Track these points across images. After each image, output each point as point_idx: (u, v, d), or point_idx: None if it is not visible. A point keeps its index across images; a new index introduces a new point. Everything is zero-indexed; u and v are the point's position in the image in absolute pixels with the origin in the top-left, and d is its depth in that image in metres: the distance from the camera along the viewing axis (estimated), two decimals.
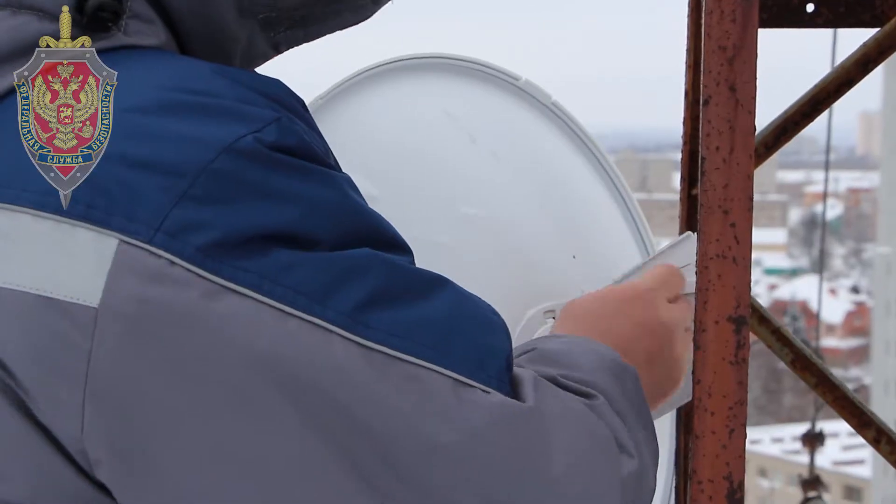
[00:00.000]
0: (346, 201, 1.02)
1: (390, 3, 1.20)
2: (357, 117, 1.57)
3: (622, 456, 1.07)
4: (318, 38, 1.18)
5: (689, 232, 1.41)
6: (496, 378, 1.03)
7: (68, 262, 0.97)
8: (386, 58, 1.60)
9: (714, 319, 1.17)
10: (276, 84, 1.05)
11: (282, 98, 1.04)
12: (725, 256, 1.18)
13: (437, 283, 1.04)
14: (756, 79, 1.18)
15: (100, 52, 1.03)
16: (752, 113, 1.18)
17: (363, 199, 1.05)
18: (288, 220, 0.99)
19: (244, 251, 0.97)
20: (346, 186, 1.03)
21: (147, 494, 0.99)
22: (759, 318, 1.61)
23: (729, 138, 1.18)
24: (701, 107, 1.18)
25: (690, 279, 1.30)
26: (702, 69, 1.20)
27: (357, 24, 1.19)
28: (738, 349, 1.18)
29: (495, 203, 1.58)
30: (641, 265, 1.43)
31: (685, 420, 1.50)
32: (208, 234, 0.97)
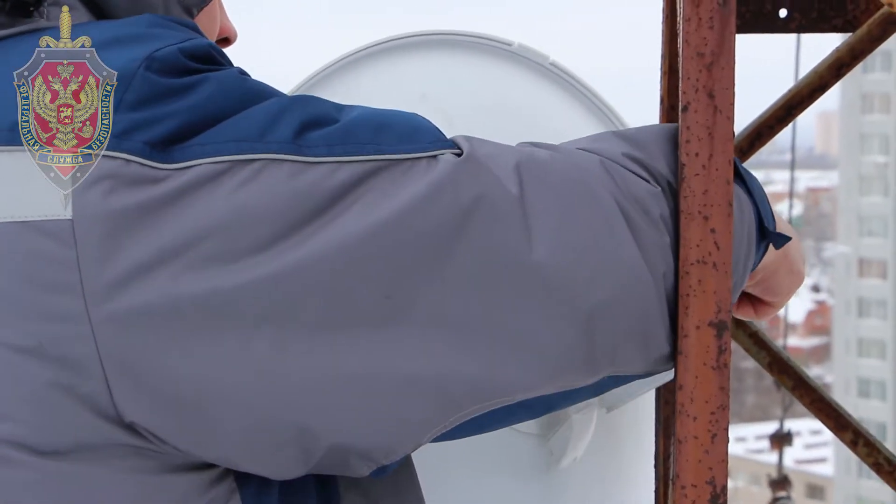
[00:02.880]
0: (244, 76, 1.09)
1: None
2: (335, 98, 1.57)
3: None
4: None
5: None
6: (435, 141, 1.10)
7: (32, 185, 1.02)
8: (364, 43, 1.60)
9: (695, 325, 1.18)
10: (183, 18, 1.15)
11: (190, 25, 1.12)
12: (706, 262, 1.18)
13: (345, 105, 1.11)
14: (734, 85, 1.19)
15: (22, 34, 1.08)
16: (730, 119, 1.19)
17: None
18: (207, 98, 1.05)
19: (183, 136, 1.04)
20: (240, 70, 1.10)
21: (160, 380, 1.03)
22: (736, 322, 1.62)
23: (708, 144, 1.18)
24: (679, 113, 1.19)
25: None
26: (680, 75, 1.21)
27: None
28: (719, 354, 1.18)
29: None
30: None
31: (664, 424, 1.50)
32: (151, 131, 1.03)
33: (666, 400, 1.50)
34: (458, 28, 1.62)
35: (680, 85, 1.20)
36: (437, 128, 1.12)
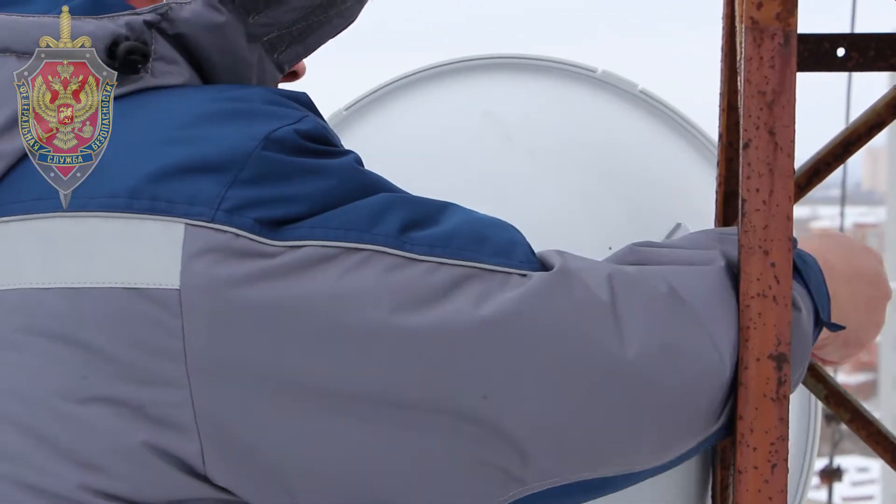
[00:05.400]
0: (360, 169, 1.13)
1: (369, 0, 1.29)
2: (387, 122, 1.57)
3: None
4: (314, 49, 1.26)
5: (678, 222, 1.53)
6: (527, 261, 1.14)
7: (143, 253, 1.05)
8: (441, 60, 1.59)
9: (755, 357, 1.20)
10: (296, 91, 1.16)
11: (303, 100, 1.14)
12: (766, 295, 1.20)
13: (447, 205, 1.16)
14: (794, 123, 1.21)
15: (131, 93, 1.10)
16: (790, 156, 1.21)
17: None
18: (325, 189, 1.09)
19: (295, 220, 1.07)
20: (358, 161, 1.14)
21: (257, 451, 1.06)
22: None
23: (769, 181, 1.21)
24: (741, 150, 1.22)
25: None
26: (740, 112, 1.23)
27: (346, 27, 1.28)
28: (779, 386, 1.20)
29: (522, 198, 1.55)
30: None
31: (722, 455, 1.52)
32: (263, 209, 1.06)
33: None
34: (538, 53, 1.61)
35: (741, 122, 1.22)
36: (529, 245, 1.17)
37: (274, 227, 1.06)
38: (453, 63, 1.61)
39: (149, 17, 1.13)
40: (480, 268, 1.11)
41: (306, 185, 1.08)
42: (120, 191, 1.05)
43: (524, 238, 1.17)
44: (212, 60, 1.16)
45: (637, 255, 1.24)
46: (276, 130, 1.08)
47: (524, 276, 1.13)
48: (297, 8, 1.20)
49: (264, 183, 1.07)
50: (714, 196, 1.58)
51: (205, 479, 1.07)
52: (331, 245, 1.07)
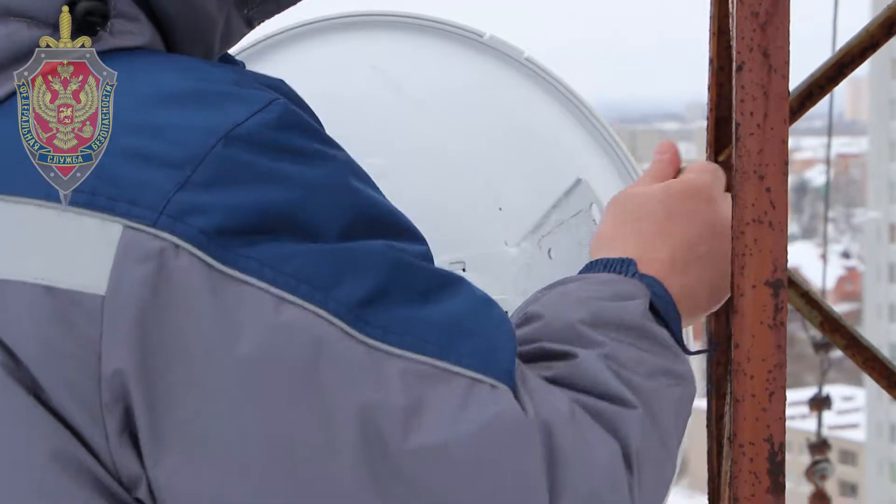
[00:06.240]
0: (348, 186, 1.02)
1: None
2: (277, 71, 1.57)
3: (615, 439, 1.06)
4: (288, 6, 1.19)
5: (578, 178, 1.56)
6: (504, 375, 1.02)
7: (74, 250, 0.97)
8: (324, 14, 1.57)
9: (752, 284, 1.18)
10: (272, 78, 1.07)
11: (276, 85, 1.05)
12: (762, 221, 1.18)
13: (450, 283, 1.04)
14: (789, 44, 1.18)
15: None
16: (785, 78, 1.18)
17: (370, 184, 1.04)
18: (289, 203, 0.98)
19: (247, 237, 0.97)
20: (348, 172, 1.03)
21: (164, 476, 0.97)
22: (788, 282, 1.61)
23: (763, 104, 1.18)
24: (734, 73, 1.19)
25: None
26: (731, 35, 1.21)
27: None
28: (776, 312, 1.18)
29: (410, 153, 1.56)
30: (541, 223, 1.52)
31: (716, 385, 1.51)
32: (212, 218, 0.96)
33: (718, 361, 1.50)
34: (425, 12, 1.61)
35: (734, 45, 1.19)
36: (515, 355, 1.04)
37: (222, 239, 0.96)
38: (340, 18, 1.60)
39: None
40: (441, 368, 0.99)
41: (265, 193, 0.98)
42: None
43: (514, 348, 1.04)
44: (174, 16, 1.09)
45: (549, 369, 1.09)
46: (241, 125, 0.99)
47: (494, 387, 1.00)
48: None
49: (219, 187, 0.97)
50: (593, 158, 1.61)
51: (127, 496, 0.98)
52: (274, 293, 0.96)
